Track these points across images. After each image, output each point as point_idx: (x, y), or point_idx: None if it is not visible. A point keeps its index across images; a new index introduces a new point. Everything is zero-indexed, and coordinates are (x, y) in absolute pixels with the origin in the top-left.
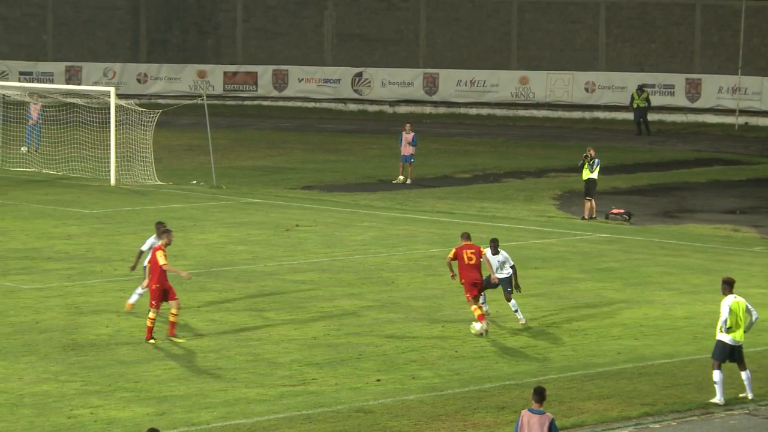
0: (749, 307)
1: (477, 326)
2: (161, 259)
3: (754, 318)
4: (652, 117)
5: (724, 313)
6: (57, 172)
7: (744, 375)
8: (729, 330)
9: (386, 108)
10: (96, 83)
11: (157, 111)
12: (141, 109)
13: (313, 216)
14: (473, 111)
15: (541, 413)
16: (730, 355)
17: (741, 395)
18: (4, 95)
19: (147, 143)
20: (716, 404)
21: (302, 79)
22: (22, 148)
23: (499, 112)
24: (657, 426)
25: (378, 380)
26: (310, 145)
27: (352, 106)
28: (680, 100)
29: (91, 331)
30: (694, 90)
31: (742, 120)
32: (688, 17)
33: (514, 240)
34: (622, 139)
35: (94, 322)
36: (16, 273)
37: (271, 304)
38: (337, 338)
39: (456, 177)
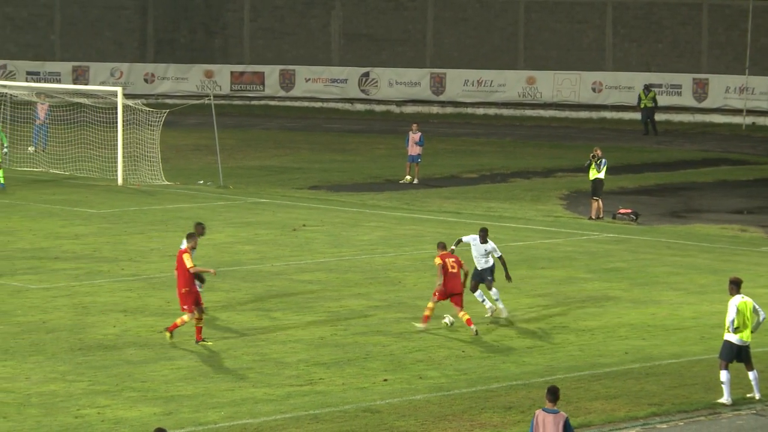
0: (757, 307)
1: (418, 325)
2: (188, 262)
3: (761, 318)
4: (659, 117)
5: (731, 314)
6: (64, 171)
7: (751, 375)
8: (736, 330)
9: (393, 108)
10: (103, 83)
11: (164, 111)
12: (148, 109)
13: (320, 216)
14: (480, 111)
15: (555, 412)
16: (738, 355)
17: (748, 395)
18: (11, 95)
19: (154, 143)
20: (723, 404)
21: (309, 79)
22: (29, 148)
23: (506, 112)
24: (664, 426)
25: (385, 380)
26: (317, 145)
27: (359, 106)
28: (687, 100)
29: (99, 330)
30: (701, 90)
31: (749, 120)
32: (695, 17)
33: (522, 240)
34: (629, 139)
35: (101, 321)
36: (23, 273)
37: (278, 304)
38: (344, 338)
39: (463, 177)
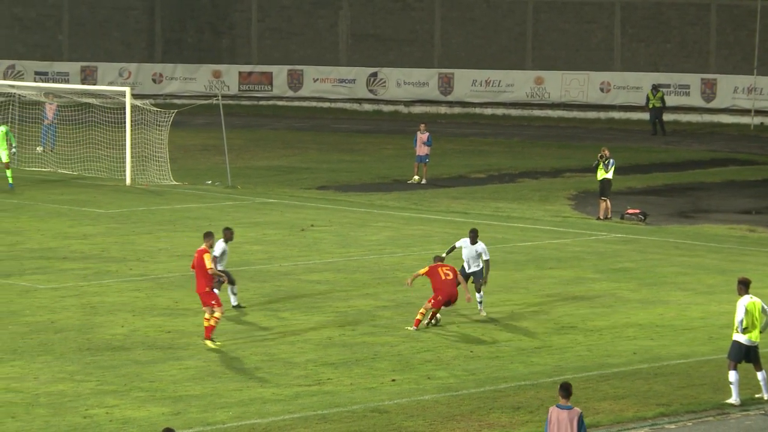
0: (765, 307)
1: (409, 328)
2: (208, 263)
3: None
4: (667, 117)
5: (739, 314)
6: (72, 171)
7: (760, 375)
8: (745, 330)
9: (401, 108)
10: (111, 83)
11: (172, 111)
12: (156, 109)
13: (328, 216)
14: (488, 111)
15: (569, 408)
16: (746, 355)
17: (757, 396)
18: (19, 95)
19: (162, 143)
20: (732, 405)
21: (317, 79)
22: (37, 148)
23: (514, 112)
24: (672, 426)
25: (393, 380)
26: (325, 145)
27: (367, 106)
28: (695, 100)
29: (107, 330)
30: (709, 90)
31: (757, 120)
32: (703, 17)
33: (529, 240)
34: (637, 139)
35: (109, 321)
36: (31, 273)
37: (286, 304)
38: (352, 338)
39: (471, 177)
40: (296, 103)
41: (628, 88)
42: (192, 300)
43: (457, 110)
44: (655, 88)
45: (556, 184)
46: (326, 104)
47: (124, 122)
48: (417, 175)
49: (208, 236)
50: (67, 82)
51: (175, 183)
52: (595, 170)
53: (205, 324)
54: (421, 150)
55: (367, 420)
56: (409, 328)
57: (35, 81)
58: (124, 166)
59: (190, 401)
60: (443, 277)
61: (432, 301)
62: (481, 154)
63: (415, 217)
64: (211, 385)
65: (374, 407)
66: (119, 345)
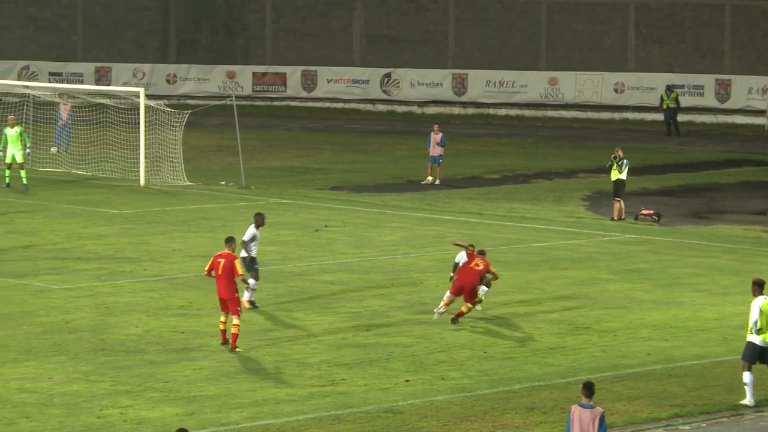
0: None
1: (439, 309)
2: (240, 269)
3: None
4: (681, 118)
5: (754, 315)
6: (86, 172)
7: None
8: (759, 331)
9: (415, 109)
10: (125, 84)
11: (186, 111)
12: (170, 109)
13: (341, 216)
14: (502, 111)
15: (591, 407)
16: (761, 356)
17: None
18: (34, 96)
19: (176, 144)
20: (746, 406)
21: (331, 80)
22: (52, 149)
23: (527, 112)
24: (687, 427)
25: (407, 381)
26: (339, 146)
27: (381, 107)
28: (710, 100)
29: (121, 331)
30: (723, 91)
31: None
32: (717, 17)
33: (543, 241)
34: (651, 140)
35: (123, 322)
36: (46, 273)
37: (300, 305)
38: (366, 339)
39: (485, 178)
40: (310, 104)
41: (642, 88)
42: (206, 300)
43: (470, 111)
44: (670, 88)
45: (570, 184)
46: (340, 105)
47: (138, 123)
48: (431, 175)
49: (230, 241)
50: (81, 82)
51: (189, 183)
52: (608, 171)
53: (222, 327)
54: (435, 151)
55: (381, 421)
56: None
57: (49, 82)
58: (138, 167)
59: (204, 402)
60: (471, 265)
61: (453, 291)
62: (495, 155)
63: (428, 217)
64: (225, 386)
65: (388, 408)
66: (133, 345)
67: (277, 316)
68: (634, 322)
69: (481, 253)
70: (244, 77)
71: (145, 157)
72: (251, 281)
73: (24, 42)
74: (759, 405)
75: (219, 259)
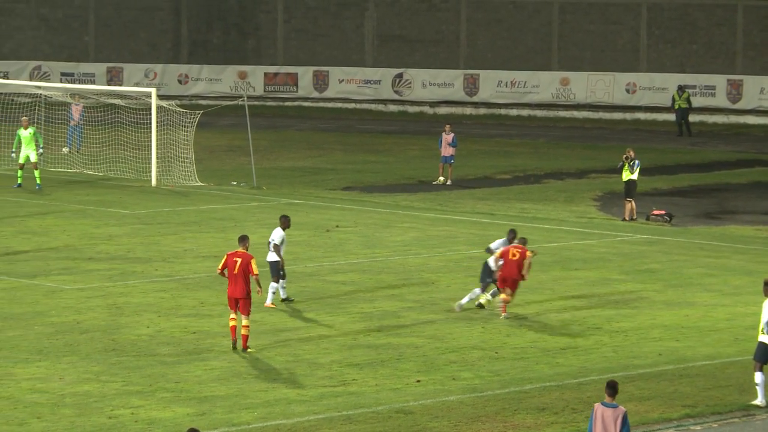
0: None
1: (489, 299)
2: (256, 268)
3: None
4: (693, 118)
5: (765, 315)
6: (98, 172)
7: None
8: None
9: (426, 109)
10: (137, 84)
11: (197, 112)
12: (182, 110)
13: (353, 217)
14: (513, 112)
15: (614, 407)
16: None
17: None
18: (46, 96)
19: (188, 144)
20: (757, 406)
21: (343, 80)
22: (63, 149)
23: (539, 113)
24: (698, 428)
25: (418, 381)
26: (351, 146)
27: (393, 107)
28: (722, 101)
29: (132, 331)
30: (735, 91)
31: None
32: (729, 18)
33: (555, 241)
34: (663, 140)
35: (134, 322)
36: (57, 273)
37: (311, 305)
38: (377, 339)
39: (496, 178)
40: (321, 104)
41: (654, 89)
42: (217, 300)
43: (482, 111)
44: (681, 89)
45: (582, 185)
46: (351, 105)
47: (150, 123)
48: (442, 176)
49: (244, 239)
50: (93, 83)
51: (200, 184)
52: (620, 171)
53: (232, 323)
54: (447, 151)
55: (392, 421)
56: (491, 298)
57: (61, 82)
58: (150, 167)
59: (215, 402)
60: (510, 257)
61: (499, 283)
62: (507, 155)
63: (440, 218)
64: (236, 386)
65: (399, 408)
66: (144, 346)
67: (288, 316)
68: (645, 323)
69: (523, 241)
70: (255, 77)
71: (157, 158)
72: (273, 284)
73: (36, 42)
74: None
75: (235, 258)
